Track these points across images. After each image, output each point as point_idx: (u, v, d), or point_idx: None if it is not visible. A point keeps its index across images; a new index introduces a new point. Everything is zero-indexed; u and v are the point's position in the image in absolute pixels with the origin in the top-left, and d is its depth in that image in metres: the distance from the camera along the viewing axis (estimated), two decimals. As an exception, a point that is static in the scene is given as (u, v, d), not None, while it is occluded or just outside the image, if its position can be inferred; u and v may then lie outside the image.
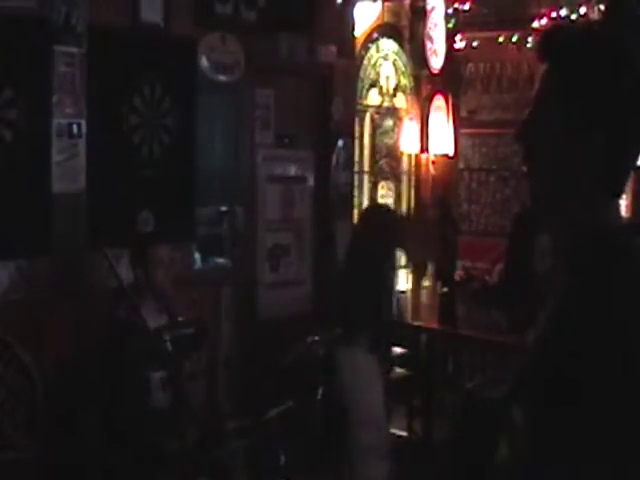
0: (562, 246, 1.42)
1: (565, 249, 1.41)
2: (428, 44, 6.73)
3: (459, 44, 7.05)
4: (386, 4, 6.33)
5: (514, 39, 6.70)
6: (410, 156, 6.89)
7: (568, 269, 1.36)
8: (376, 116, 6.56)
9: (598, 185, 1.36)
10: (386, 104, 6.65)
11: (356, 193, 6.07)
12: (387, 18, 6.43)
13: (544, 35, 1.45)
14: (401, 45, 6.67)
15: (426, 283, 6.95)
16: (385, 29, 6.45)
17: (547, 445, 1.28)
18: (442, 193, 7.01)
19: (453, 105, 7.12)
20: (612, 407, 1.23)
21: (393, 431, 4.65)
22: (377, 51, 6.45)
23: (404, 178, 6.96)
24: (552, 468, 1.28)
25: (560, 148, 1.37)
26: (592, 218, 1.37)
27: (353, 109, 6.08)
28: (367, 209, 5.18)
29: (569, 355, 1.26)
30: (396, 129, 6.75)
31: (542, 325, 1.37)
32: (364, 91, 6.39)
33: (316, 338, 4.87)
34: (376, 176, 6.57)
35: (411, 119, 6.74)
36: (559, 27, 1.45)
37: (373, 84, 6.48)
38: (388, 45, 6.56)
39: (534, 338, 1.38)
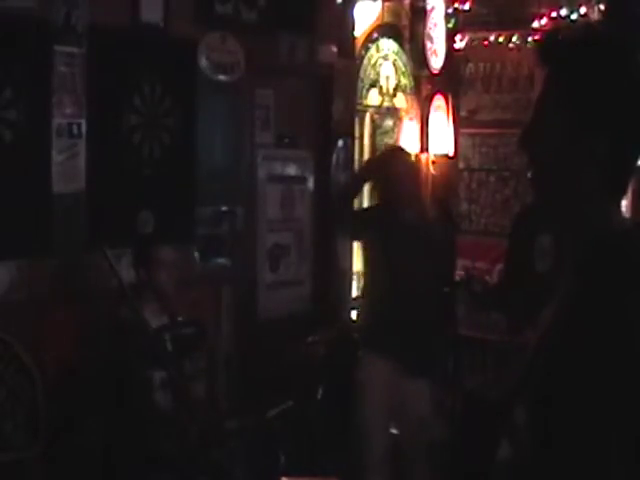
0: (567, 247, 1.42)
1: (570, 250, 1.41)
2: (428, 44, 6.72)
3: (459, 44, 7.04)
4: (386, 4, 6.32)
5: (514, 39, 6.69)
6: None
7: (574, 271, 1.36)
8: (376, 116, 6.55)
9: (601, 187, 1.36)
10: (386, 104, 6.64)
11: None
12: (387, 18, 6.42)
13: (544, 38, 1.45)
14: (401, 45, 6.66)
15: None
16: (385, 29, 6.44)
17: (551, 445, 1.28)
18: (442, 193, 7.01)
19: (453, 105, 7.11)
20: (622, 408, 1.23)
21: (393, 431, 4.65)
22: (377, 51, 6.44)
23: (404, 178, 6.95)
24: (555, 468, 1.28)
25: (562, 150, 1.37)
26: (596, 219, 1.37)
27: (353, 109, 6.07)
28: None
29: (579, 357, 1.26)
30: (396, 129, 6.74)
31: (546, 325, 1.36)
32: (364, 91, 6.38)
33: (316, 338, 4.89)
34: (376, 176, 6.55)
35: (411, 119, 6.74)
36: (559, 29, 1.45)
37: (373, 84, 6.47)
38: (388, 45, 6.55)
39: (537, 338, 1.38)
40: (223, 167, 5.04)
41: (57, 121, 4.05)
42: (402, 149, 5.12)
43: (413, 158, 4.61)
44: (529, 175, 1.42)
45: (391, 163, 4.51)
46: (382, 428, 4.42)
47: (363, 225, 4.59)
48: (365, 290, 4.72)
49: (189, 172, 4.76)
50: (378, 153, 5.75)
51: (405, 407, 4.39)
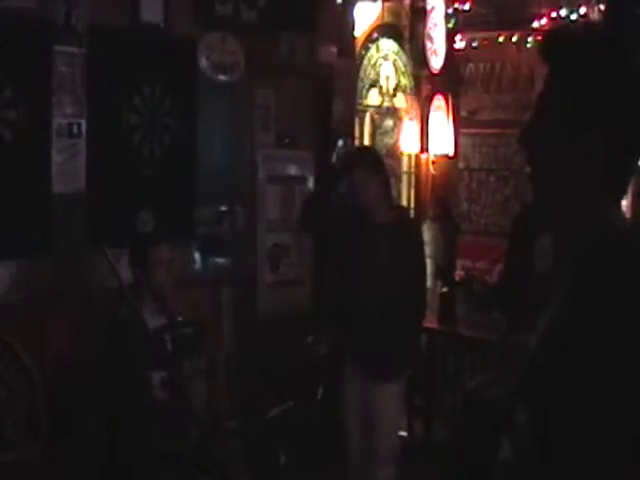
0: (566, 247, 1.42)
1: (569, 250, 1.41)
2: (428, 44, 6.73)
3: (459, 44, 7.05)
4: (386, 4, 6.32)
5: (514, 39, 6.70)
6: (410, 156, 6.89)
7: (574, 270, 1.36)
8: (376, 116, 6.56)
9: (601, 186, 1.36)
10: (386, 104, 6.65)
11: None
12: (387, 18, 6.43)
13: (546, 37, 1.45)
14: (401, 45, 6.67)
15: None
16: (385, 29, 6.45)
17: (551, 446, 1.28)
18: (442, 193, 7.01)
19: (453, 105, 7.11)
20: (622, 408, 1.23)
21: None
22: (377, 51, 6.45)
23: (404, 178, 6.96)
24: (556, 469, 1.28)
25: (562, 150, 1.37)
26: (596, 219, 1.37)
27: (353, 109, 6.08)
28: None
29: (579, 357, 1.26)
30: (396, 129, 6.75)
31: (546, 325, 1.36)
32: (364, 91, 6.38)
33: (316, 338, 4.88)
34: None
35: (411, 119, 6.74)
36: (561, 29, 1.45)
37: (373, 84, 6.48)
38: (388, 45, 6.56)
39: (537, 338, 1.38)
40: (223, 167, 5.04)
41: (57, 121, 4.05)
42: (361, 153, 4.90)
43: (374, 161, 4.42)
44: (527, 171, 1.42)
45: (348, 168, 4.46)
46: (357, 432, 4.40)
47: (335, 226, 4.55)
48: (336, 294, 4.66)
49: (189, 172, 4.76)
50: (344, 154, 5.60)
51: (374, 412, 4.35)
